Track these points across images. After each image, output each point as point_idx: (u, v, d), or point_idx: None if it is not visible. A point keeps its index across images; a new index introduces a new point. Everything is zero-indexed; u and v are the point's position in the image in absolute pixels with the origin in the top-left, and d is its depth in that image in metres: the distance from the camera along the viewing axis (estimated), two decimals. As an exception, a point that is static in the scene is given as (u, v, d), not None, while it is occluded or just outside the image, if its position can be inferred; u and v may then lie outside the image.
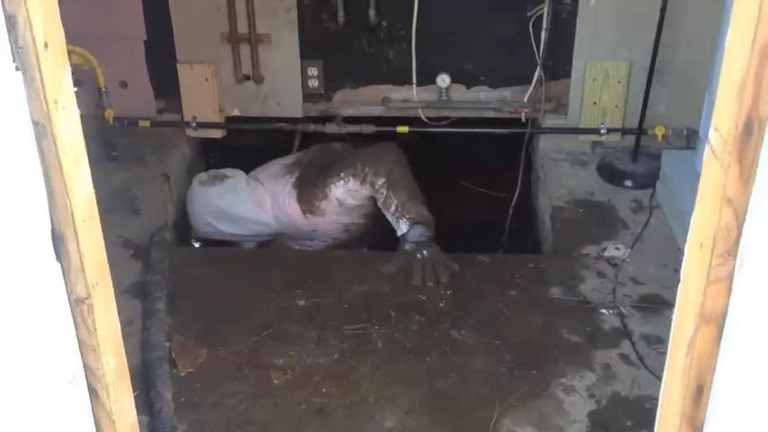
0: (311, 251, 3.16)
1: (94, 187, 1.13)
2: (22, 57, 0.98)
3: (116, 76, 3.33)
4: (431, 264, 2.70)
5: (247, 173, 3.26)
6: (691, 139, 3.18)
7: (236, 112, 3.47)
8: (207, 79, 3.35)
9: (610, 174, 3.21)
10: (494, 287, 2.63)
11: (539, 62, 3.21)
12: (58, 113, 1.03)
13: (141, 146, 3.39)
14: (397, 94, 3.41)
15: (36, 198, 1.06)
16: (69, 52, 1.06)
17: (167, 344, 2.37)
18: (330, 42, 3.37)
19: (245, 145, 3.52)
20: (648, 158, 3.21)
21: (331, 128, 3.40)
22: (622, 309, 2.52)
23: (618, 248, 2.79)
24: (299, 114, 3.46)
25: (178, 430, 2.08)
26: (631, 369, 2.29)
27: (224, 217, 3.17)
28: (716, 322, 1.09)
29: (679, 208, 2.76)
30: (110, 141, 3.34)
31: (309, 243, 3.20)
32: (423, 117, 3.38)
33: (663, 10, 2.94)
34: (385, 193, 2.88)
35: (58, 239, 1.10)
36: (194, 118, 3.41)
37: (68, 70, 1.05)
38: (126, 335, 1.29)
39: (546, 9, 3.14)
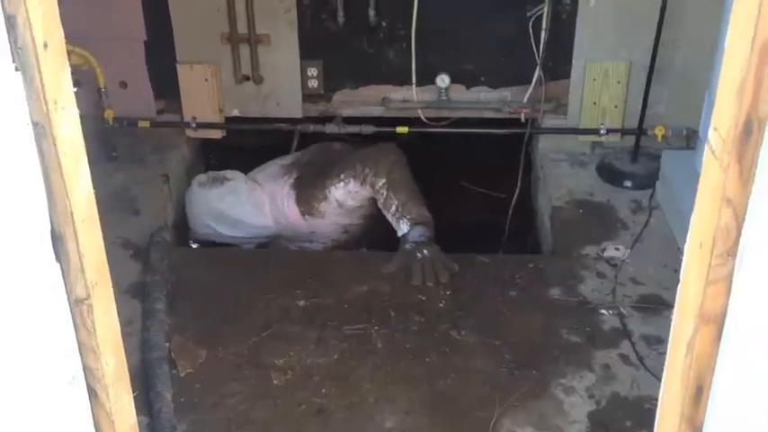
0: (311, 251, 3.16)
1: (94, 188, 1.13)
2: (21, 57, 0.98)
3: (116, 77, 3.33)
4: (431, 264, 2.70)
5: (247, 173, 3.25)
6: (690, 140, 3.18)
7: (235, 113, 3.47)
8: (206, 80, 3.35)
9: (609, 174, 3.21)
10: (494, 287, 2.63)
11: (538, 62, 3.21)
12: (58, 114, 1.03)
13: (141, 146, 3.39)
14: (396, 94, 3.41)
15: (36, 198, 1.06)
16: (69, 52, 1.06)
17: (167, 344, 2.37)
18: (330, 42, 3.37)
19: (245, 145, 3.52)
20: (648, 159, 3.21)
21: (330, 128, 3.40)
22: (622, 309, 2.52)
23: (617, 249, 2.79)
24: (299, 115, 3.46)
25: (178, 431, 2.08)
26: (631, 369, 2.29)
27: (223, 219, 3.16)
28: (715, 322, 1.09)
29: (679, 208, 2.76)
30: (109, 142, 3.34)
31: (308, 244, 3.19)
32: (422, 117, 3.38)
33: (663, 10, 2.94)
34: (385, 193, 2.88)
35: (57, 240, 1.10)
36: (194, 118, 3.41)
37: (68, 70, 1.05)
38: (125, 335, 1.29)
39: (546, 9, 3.14)
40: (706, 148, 1.04)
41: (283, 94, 3.43)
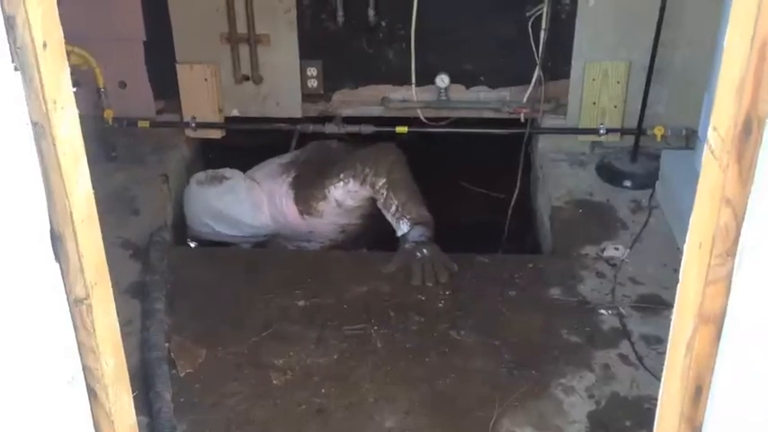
0: (311, 251, 3.16)
1: (93, 187, 1.13)
2: (20, 57, 0.98)
3: (115, 77, 3.33)
4: (430, 264, 2.70)
5: (245, 172, 3.25)
6: (690, 139, 3.18)
7: (235, 113, 3.47)
8: (206, 79, 3.35)
9: (609, 174, 3.21)
10: (493, 287, 2.63)
11: (538, 62, 3.21)
12: (57, 114, 1.03)
13: (140, 146, 3.39)
14: (396, 94, 3.41)
15: (35, 198, 1.06)
16: (68, 52, 1.06)
17: (166, 344, 2.37)
18: (329, 42, 3.37)
19: (245, 145, 3.52)
20: (647, 158, 3.21)
21: (330, 128, 3.40)
22: (621, 309, 2.52)
23: (617, 249, 2.79)
24: (299, 114, 3.46)
25: (177, 431, 2.08)
26: (630, 369, 2.29)
27: (221, 218, 3.16)
28: (715, 322, 1.08)
29: (678, 208, 2.76)
30: (109, 142, 3.34)
31: (306, 244, 3.19)
32: (422, 117, 3.38)
33: (662, 10, 2.94)
34: (385, 193, 2.88)
35: (56, 240, 1.10)
36: (193, 118, 3.41)
37: (67, 70, 1.05)
38: (125, 335, 1.29)
39: (545, 9, 3.14)
40: (705, 147, 1.03)
41: (283, 94, 3.43)
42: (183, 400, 2.20)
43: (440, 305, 2.56)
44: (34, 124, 1.02)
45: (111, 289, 1.20)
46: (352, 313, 2.52)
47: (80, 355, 1.18)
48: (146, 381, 2.20)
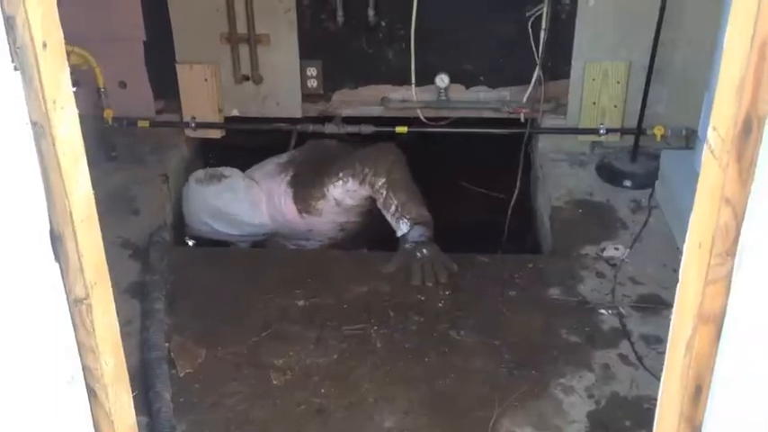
0: (310, 251, 3.16)
1: (93, 187, 1.13)
2: (20, 57, 0.98)
3: (115, 77, 3.33)
4: (430, 264, 2.70)
5: (244, 171, 3.25)
6: (690, 139, 3.18)
7: (235, 113, 3.47)
8: (206, 79, 3.35)
9: (609, 174, 3.21)
10: (493, 287, 2.63)
11: (538, 62, 3.21)
12: (57, 113, 1.03)
13: (140, 146, 3.39)
14: (395, 94, 3.41)
15: (35, 198, 1.06)
16: (68, 52, 1.06)
17: (166, 344, 2.37)
18: (329, 42, 3.37)
19: (245, 145, 3.52)
20: (647, 158, 3.21)
21: (330, 128, 3.40)
22: (621, 309, 2.52)
23: (617, 248, 2.79)
24: (298, 114, 3.46)
25: (177, 431, 2.08)
26: (630, 369, 2.29)
27: (220, 217, 3.16)
28: (714, 322, 1.08)
29: (678, 208, 2.76)
30: (109, 142, 3.34)
31: (304, 242, 3.19)
32: (422, 117, 3.38)
33: (662, 10, 2.94)
34: (385, 193, 2.88)
35: (56, 240, 1.10)
36: (193, 118, 3.41)
37: (67, 70, 1.05)
38: (125, 335, 1.29)
39: (545, 9, 3.14)
40: (705, 147, 1.03)
41: (283, 94, 3.43)
42: (183, 400, 2.20)
43: (440, 305, 2.56)
44: (34, 124, 1.02)
45: (110, 289, 1.20)
46: (352, 313, 2.52)
47: (80, 354, 1.18)
48: (145, 381, 2.20)
